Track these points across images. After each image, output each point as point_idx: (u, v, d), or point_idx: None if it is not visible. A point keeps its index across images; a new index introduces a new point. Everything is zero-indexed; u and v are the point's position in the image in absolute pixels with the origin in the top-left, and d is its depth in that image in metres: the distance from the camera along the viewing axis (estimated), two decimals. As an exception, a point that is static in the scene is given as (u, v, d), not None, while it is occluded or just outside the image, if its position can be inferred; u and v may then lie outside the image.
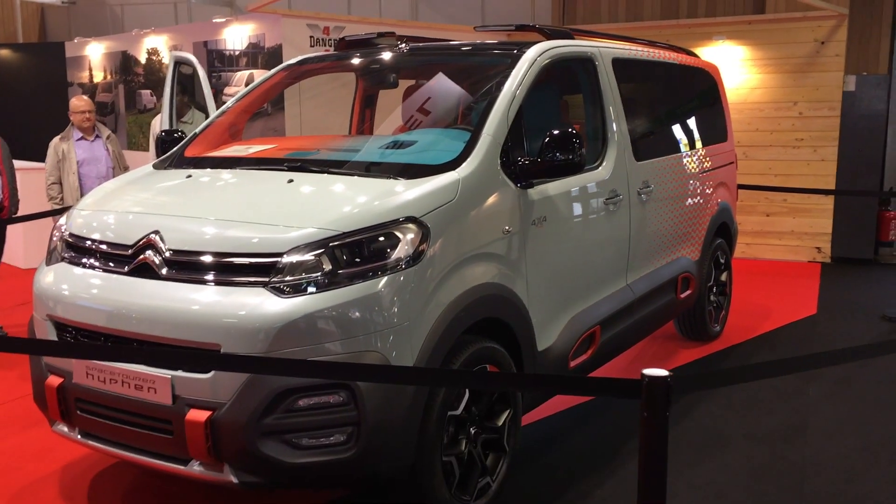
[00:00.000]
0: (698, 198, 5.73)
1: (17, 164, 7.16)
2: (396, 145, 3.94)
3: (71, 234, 3.65)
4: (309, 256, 3.09)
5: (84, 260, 3.52)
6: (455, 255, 3.39)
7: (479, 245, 3.53)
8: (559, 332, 4.09)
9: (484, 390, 3.53)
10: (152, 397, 3.16)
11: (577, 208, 4.25)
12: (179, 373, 3.12)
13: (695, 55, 6.28)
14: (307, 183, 3.58)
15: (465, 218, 3.47)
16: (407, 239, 3.19)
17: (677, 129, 5.59)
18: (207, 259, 3.18)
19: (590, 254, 4.39)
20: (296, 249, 3.09)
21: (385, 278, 3.12)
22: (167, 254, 3.26)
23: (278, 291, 3.05)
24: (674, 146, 5.45)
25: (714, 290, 6.20)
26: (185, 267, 3.22)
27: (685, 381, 2.05)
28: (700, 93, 6.15)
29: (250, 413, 3.01)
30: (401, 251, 3.17)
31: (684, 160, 5.50)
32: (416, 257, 3.20)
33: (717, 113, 6.33)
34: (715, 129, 6.21)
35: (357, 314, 3.06)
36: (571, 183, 4.16)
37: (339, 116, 6.25)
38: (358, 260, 3.13)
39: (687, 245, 5.61)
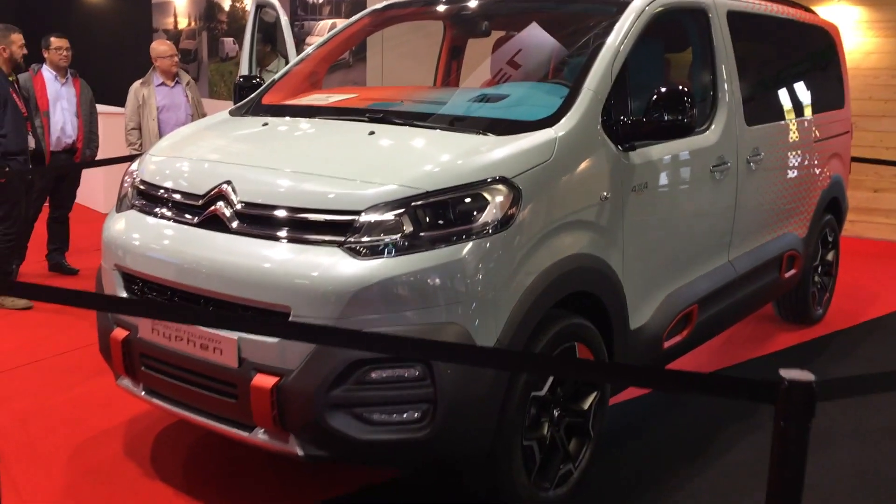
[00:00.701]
0: (810, 169, 5.26)
1: (100, 108, 7.10)
2: (486, 99, 3.62)
3: (142, 181, 3.46)
4: (389, 216, 2.82)
5: (154, 209, 3.33)
6: (547, 221, 3.07)
7: (573, 211, 3.21)
8: (654, 310, 3.75)
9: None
10: (218, 358, 2.96)
11: (682, 175, 3.87)
12: (247, 334, 2.91)
13: (813, 12, 5.74)
14: (389, 136, 3.30)
15: (561, 181, 3.14)
16: (496, 201, 2.89)
17: (791, 93, 5.11)
18: (280, 214, 2.94)
19: (691, 226, 4.02)
20: (375, 208, 2.83)
21: (470, 244, 2.83)
22: (238, 206, 3.04)
23: (354, 252, 2.80)
24: (787, 111, 4.97)
25: (819, 269, 5.73)
26: (257, 221, 3.00)
27: (832, 387, 1.72)
28: (818, 54, 5.63)
29: (319, 383, 2.78)
30: (489, 214, 2.87)
31: (797, 127, 5.03)
32: (505, 222, 2.90)
33: (835, 77, 5.80)
34: (831, 94, 5.69)
35: (438, 282, 2.79)
36: (676, 147, 3.78)
37: (423, 68, 5.95)
38: (441, 222, 2.85)
39: (794, 220, 5.16)
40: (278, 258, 2.87)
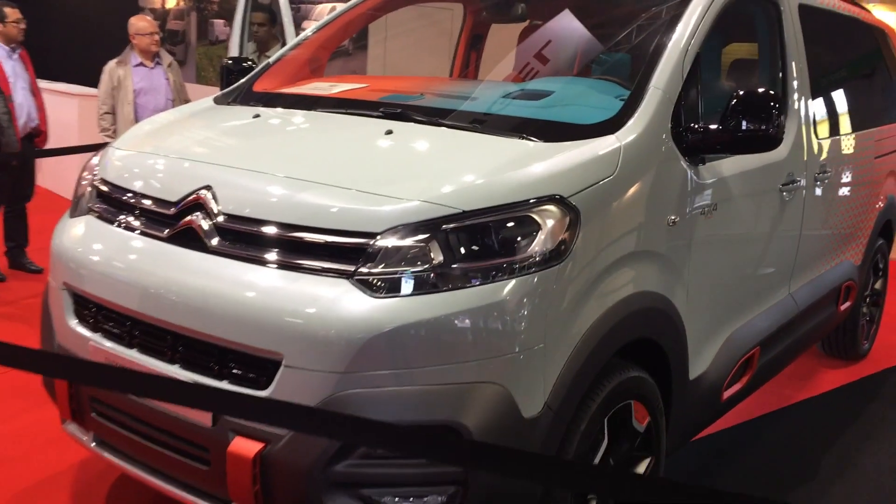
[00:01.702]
0: (870, 188, 4.67)
1: (82, 89, 6.45)
2: (525, 95, 3.00)
3: (103, 180, 2.81)
4: (412, 241, 2.19)
5: (117, 215, 2.68)
6: (608, 252, 2.45)
7: (637, 239, 2.59)
8: (714, 355, 3.14)
9: (626, 436, 2.62)
10: (187, 413, 2.32)
11: (753, 196, 3.26)
12: (226, 384, 2.28)
13: (871, 13, 5.15)
14: (412, 136, 2.67)
15: (624, 201, 2.52)
16: (549, 227, 2.27)
17: (856, 102, 4.51)
18: (271, 232, 2.31)
19: (757, 255, 3.41)
20: (395, 230, 2.20)
21: (515, 280, 2.20)
22: (219, 218, 2.40)
23: (366, 287, 2.17)
24: (852, 122, 4.38)
25: (868, 300, 5.15)
26: (242, 239, 2.36)
27: None
28: (878, 58, 5.04)
29: (317, 454, 2.15)
30: (539, 243, 2.25)
31: (860, 141, 4.43)
32: (559, 253, 2.27)
33: (893, 85, 5.21)
34: (891, 103, 5.10)
35: (473, 329, 2.16)
36: (748, 162, 3.16)
37: (431, 60, 5.33)
38: (479, 252, 2.22)
39: (852, 246, 4.57)
40: (268, 289, 2.24)
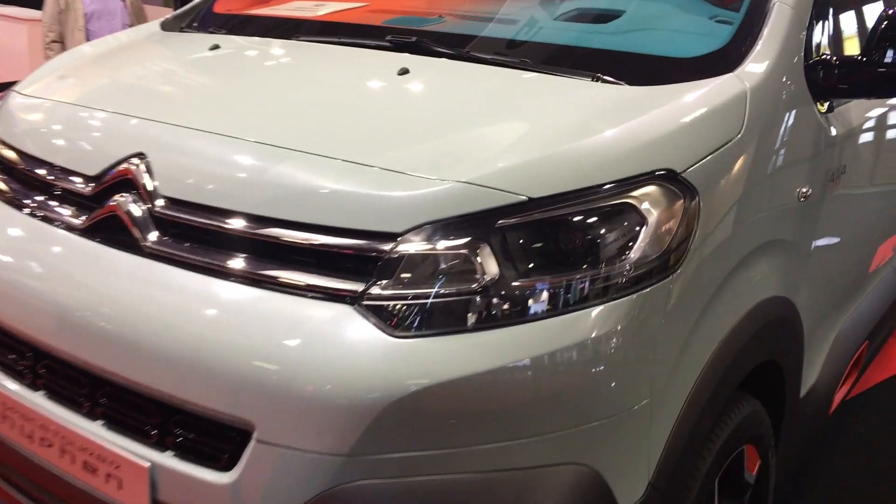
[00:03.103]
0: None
1: (32, 13, 5.53)
2: (587, 16, 2.18)
3: (3, 142, 2.00)
4: (450, 247, 1.42)
5: (16, 193, 1.89)
6: (734, 249, 1.69)
7: (767, 226, 1.82)
8: (823, 361, 2.41)
9: (736, 494, 1.90)
10: (112, 492, 1.57)
11: (879, 151, 2.48)
12: (168, 458, 1.52)
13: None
14: (436, 78, 1.86)
15: (754, 173, 1.73)
16: (657, 219, 1.49)
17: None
18: (234, 227, 1.53)
19: (872, 227, 2.66)
20: (423, 230, 1.42)
21: (609, 306, 1.43)
22: (157, 203, 1.61)
23: (381, 318, 1.39)
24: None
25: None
26: (190, 237, 1.58)
27: None
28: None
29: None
30: (645, 245, 1.47)
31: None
32: (672, 258, 1.50)
33: None
34: None
35: (549, 386, 1.40)
36: (876, 107, 2.38)
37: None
38: (554, 262, 1.44)
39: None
40: (229, 318, 1.47)
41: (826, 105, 2.02)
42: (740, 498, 1.93)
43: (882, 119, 2.42)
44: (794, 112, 1.87)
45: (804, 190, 1.92)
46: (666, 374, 1.51)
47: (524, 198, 1.43)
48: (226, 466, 1.45)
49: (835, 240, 2.24)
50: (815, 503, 2.73)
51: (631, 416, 1.46)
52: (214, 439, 1.47)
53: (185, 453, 1.50)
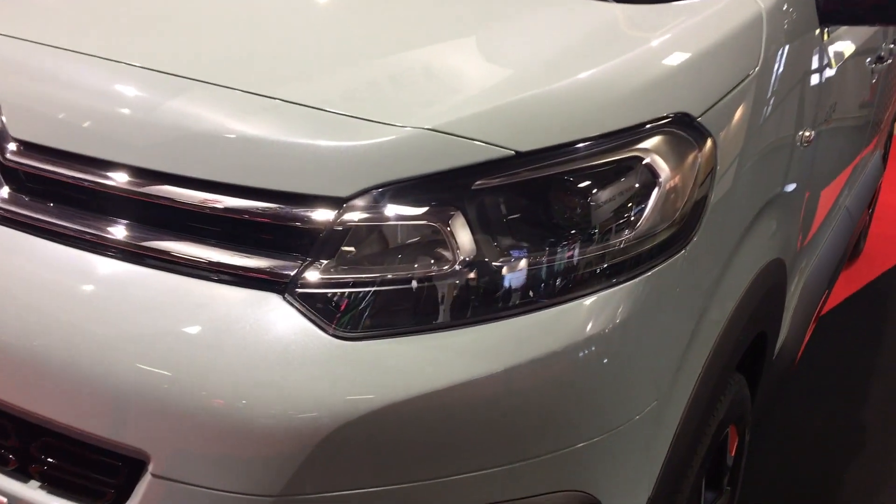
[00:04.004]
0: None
1: None
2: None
3: None
4: (413, 215, 1.06)
5: None
6: (748, 206, 1.40)
7: (777, 177, 1.54)
8: (790, 317, 2.19)
9: (716, 485, 1.67)
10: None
11: (859, 84, 2.24)
12: (37, 491, 1.14)
13: None
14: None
15: (768, 114, 1.43)
16: (670, 176, 1.17)
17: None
18: (115, 182, 1.13)
19: (836, 168, 2.43)
20: (374, 194, 1.06)
21: (614, 292, 1.11)
22: (9, 149, 1.19)
23: (318, 311, 1.04)
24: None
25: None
26: (55, 195, 1.17)
27: None
28: None
29: None
30: (657, 210, 1.15)
31: None
32: (687, 223, 1.20)
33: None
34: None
35: (540, 399, 1.08)
36: (862, 35, 2.11)
37: None
38: (546, 237, 1.11)
39: (881, 135, 3.66)
40: (109, 308, 1.09)
41: (826, 32, 1.74)
42: (720, 484, 1.70)
43: (863, 47, 2.16)
44: (804, 40, 1.57)
45: (807, 134, 1.64)
46: (674, 367, 1.23)
47: (510, 152, 1.08)
48: (113, 503, 1.09)
49: (816, 187, 2.00)
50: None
51: (635, 427, 1.17)
52: (96, 470, 1.10)
53: (59, 488, 1.13)
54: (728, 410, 1.54)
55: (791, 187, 1.64)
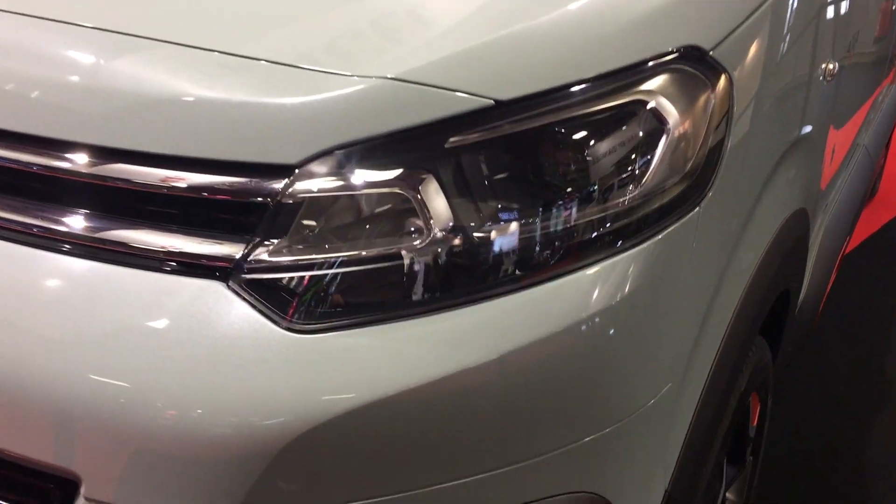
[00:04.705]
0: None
1: None
2: None
3: None
4: (376, 181, 0.90)
5: None
6: (769, 151, 1.23)
7: (799, 118, 1.36)
8: (812, 266, 2.03)
9: (737, 460, 1.52)
10: None
11: (879, 7, 2.04)
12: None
13: None
14: None
15: (785, 48, 1.25)
16: (678, 120, 1.00)
17: None
18: (22, 157, 0.96)
19: (855, 104, 2.24)
20: (330, 157, 0.89)
21: (623, 258, 0.95)
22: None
23: (269, 300, 0.89)
24: None
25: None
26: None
27: None
28: None
29: None
30: (667, 160, 0.99)
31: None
32: (701, 176, 1.03)
33: None
34: None
35: (537, 390, 0.93)
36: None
37: None
38: (534, 199, 0.94)
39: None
40: (24, 303, 0.93)
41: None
42: (742, 458, 1.55)
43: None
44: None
45: (830, 67, 1.46)
46: (691, 342, 1.07)
47: (489, 101, 0.90)
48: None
49: (837, 126, 1.82)
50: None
51: (650, 411, 1.01)
52: (23, 493, 0.96)
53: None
54: (750, 379, 1.39)
55: (813, 128, 1.46)
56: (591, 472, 0.98)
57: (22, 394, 0.90)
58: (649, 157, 0.97)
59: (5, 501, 0.95)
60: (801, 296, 1.89)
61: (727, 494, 1.51)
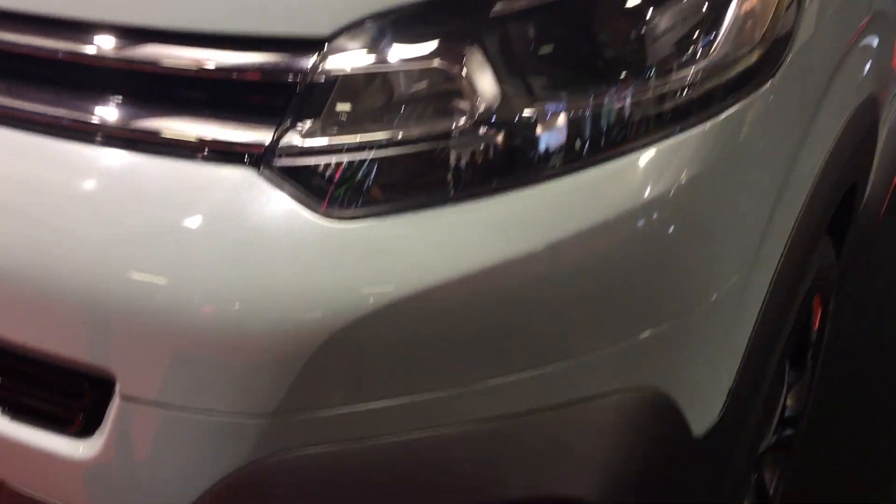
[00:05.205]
0: None
1: None
2: None
3: None
4: (414, 55, 0.82)
5: None
6: (846, 26, 1.14)
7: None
8: (878, 158, 1.91)
9: (799, 364, 1.45)
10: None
11: None
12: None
13: None
14: None
15: None
16: None
17: None
18: (33, 42, 0.90)
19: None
20: (364, 29, 0.81)
21: (688, 137, 0.87)
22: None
23: (304, 186, 0.83)
24: None
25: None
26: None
27: None
28: None
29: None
30: (736, 26, 0.89)
31: None
32: (774, 46, 0.93)
33: None
34: None
35: (593, 278, 0.86)
36: None
37: None
38: (586, 70, 0.86)
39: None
40: (41, 197, 0.89)
41: None
42: (803, 362, 1.49)
43: None
44: None
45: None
46: (759, 234, 0.99)
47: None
48: (81, 430, 0.92)
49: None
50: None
51: (714, 305, 0.94)
52: (62, 394, 0.93)
53: (18, 413, 0.96)
54: (815, 279, 1.31)
55: (889, 4, 1.34)
56: (653, 367, 0.91)
57: (54, 292, 0.86)
58: (716, 25, 0.88)
59: (38, 400, 0.93)
60: (867, 192, 1.78)
61: (787, 401, 1.45)
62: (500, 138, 0.83)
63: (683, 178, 0.87)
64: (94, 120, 0.89)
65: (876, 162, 1.82)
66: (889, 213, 2.26)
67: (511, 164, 0.84)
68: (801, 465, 1.72)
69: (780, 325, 1.12)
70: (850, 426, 1.99)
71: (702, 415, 0.98)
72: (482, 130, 0.83)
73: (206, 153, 0.85)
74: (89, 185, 0.90)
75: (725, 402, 1.01)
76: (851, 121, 1.21)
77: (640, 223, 0.86)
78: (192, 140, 0.85)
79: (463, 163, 0.83)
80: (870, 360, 2.20)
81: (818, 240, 1.20)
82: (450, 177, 0.83)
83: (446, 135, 0.83)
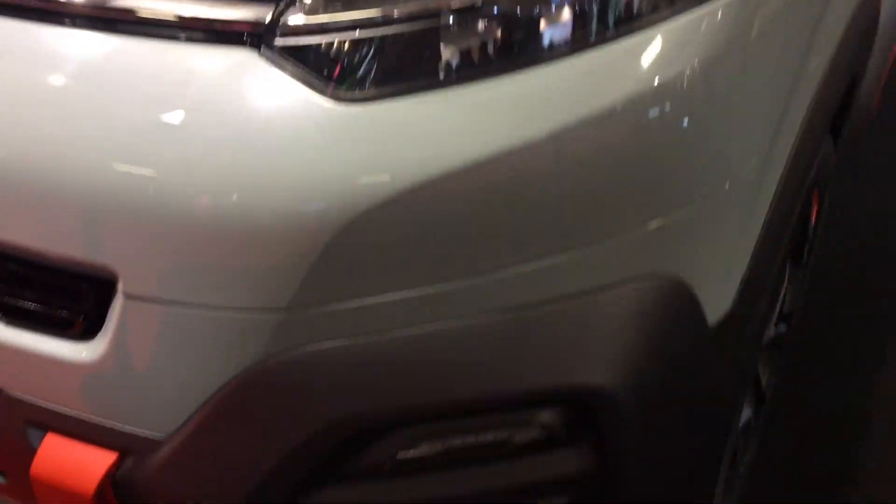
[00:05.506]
0: None
1: None
2: None
3: None
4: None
5: None
6: None
7: None
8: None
9: (797, 262, 1.45)
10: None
11: None
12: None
13: None
14: None
15: None
16: None
17: None
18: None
19: None
20: None
21: (692, 18, 0.83)
22: None
23: (309, 66, 0.78)
24: None
25: None
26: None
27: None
28: None
29: (253, 473, 0.89)
30: None
31: None
32: None
33: None
34: None
35: (612, 161, 0.83)
36: None
37: None
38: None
39: None
40: (57, 99, 0.83)
41: None
42: (801, 255, 1.48)
43: None
44: None
45: None
46: (777, 115, 0.96)
47: None
48: (82, 333, 0.88)
49: None
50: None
51: (730, 192, 0.92)
52: (61, 296, 0.89)
53: (16, 318, 0.91)
54: (816, 173, 1.29)
55: None
56: (671, 254, 0.89)
57: (48, 189, 0.81)
58: None
59: (36, 303, 0.89)
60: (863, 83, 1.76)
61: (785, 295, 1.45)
62: (509, 13, 0.79)
63: (697, 58, 0.84)
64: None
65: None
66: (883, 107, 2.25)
67: (520, 41, 0.80)
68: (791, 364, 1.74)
69: (789, 216, 1.11)
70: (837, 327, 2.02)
71: (716, 303, 0.96)
72: (492, 3, 0.78)
73: (201, 34, 0.80)
74: (76, 72, 0.84)
75: (738, 290, 1.00)
76: (858, 12, 1.17)
77: (671, 98, 0.82)
78: (185, 19, 0.79)
79: (473, 40, 0.79)
80: (856, 258, 2.22)
81: (826, 128, 1.17)
82: (460, 55, 0.79)
83: (457, 9, 0.78)
